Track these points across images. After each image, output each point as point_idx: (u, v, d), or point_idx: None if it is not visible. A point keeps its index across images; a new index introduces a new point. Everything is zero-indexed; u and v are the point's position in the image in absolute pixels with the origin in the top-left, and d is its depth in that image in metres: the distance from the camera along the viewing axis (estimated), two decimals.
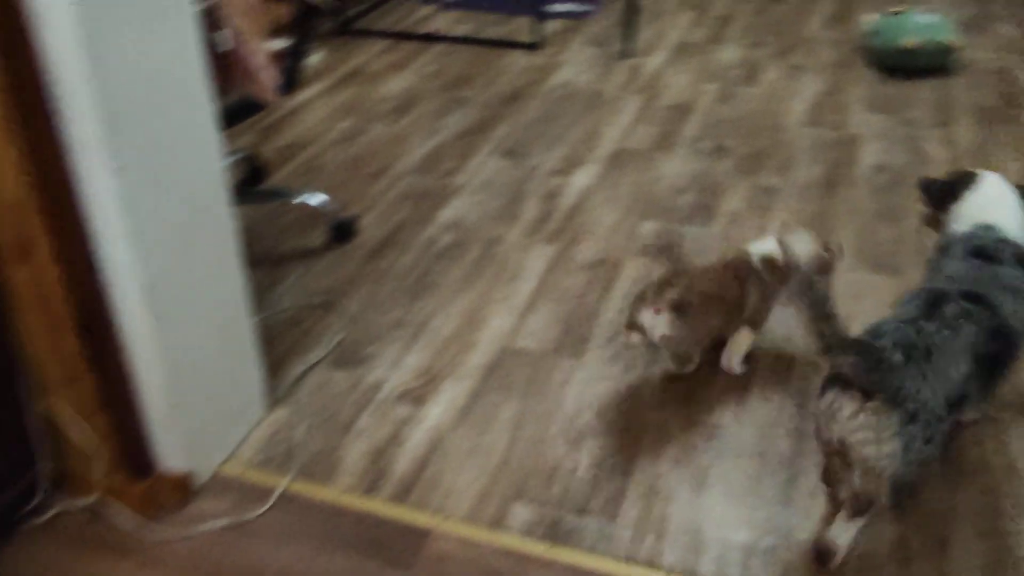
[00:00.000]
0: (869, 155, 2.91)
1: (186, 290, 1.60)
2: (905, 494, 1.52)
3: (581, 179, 2.77)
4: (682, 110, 3.21)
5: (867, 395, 1.43)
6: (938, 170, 2.81)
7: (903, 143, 3.00)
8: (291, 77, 2.12)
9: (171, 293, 1.56)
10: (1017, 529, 1.67)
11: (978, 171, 1.93)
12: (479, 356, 2.07)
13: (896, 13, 3.65)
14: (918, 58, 3.52)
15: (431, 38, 3.79)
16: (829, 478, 1.61)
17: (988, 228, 1.76)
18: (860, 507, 1.55)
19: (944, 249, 1.80)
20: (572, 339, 2.13)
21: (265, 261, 2.39)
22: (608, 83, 3.42)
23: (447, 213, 2.60)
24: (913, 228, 2.53)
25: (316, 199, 2.48)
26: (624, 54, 3.67)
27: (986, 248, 1.71)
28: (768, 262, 1.99)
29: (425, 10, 4.15)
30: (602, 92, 3.34)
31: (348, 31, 3.85)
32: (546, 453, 1.82)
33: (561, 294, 2.27)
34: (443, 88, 3.36)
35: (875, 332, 1.53)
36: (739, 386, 1.99)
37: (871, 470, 1.46)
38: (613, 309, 2.22)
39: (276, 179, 2.75)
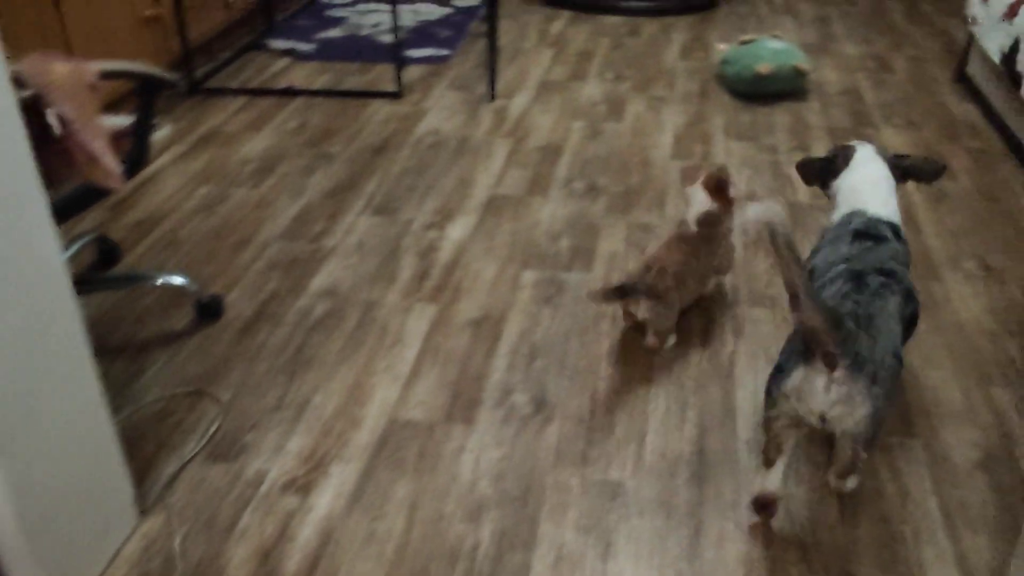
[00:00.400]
0: (737, 183, 2.95)
1: (31, 403, 1.44)
2: (874, 444, 1.81)
3: (457, 231, 2.71)
4: (551, 151, 3.20)
5: (831, 366, 1.56)
6: (803, 192, 2.88)
7: (767, 169, 3.06)
8: (136, 157, 1.98)
9: (12, 409, 1.41)
10: (919, 557, 1.68)
11: (853, 144, 2.09)
12: (366, 433, 1.97)
13: (746, 42, 3.76)
14: (772, 83, 3.62)
15: (289, 92, 3.68)
16: (774, 447, 1.73)
17: (859, 213, 1.94)
18: (849, 467, 1.76)
19: (829, 237, 1.95)
20: (461, 404, 2.05)
21: (125, 350, 2.22)
22: (475, 128, 3.38)
23: (320, 280, 2.49)
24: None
25: (177, 279, 2.33)
26: (488, 96, 3.64)
27: (868, 230, 1.89)
28: (704, 217, 2.26)
29: (280, 63, 4.03)
30: (470, 138, 3.30)
31: (200, 91, 3.69)
32: (446, 532, 1.73)
33: (446, 356, 2.20)
34: (306, 144, 3.25)
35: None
36: (635, 436, 1.95)
37: (851, 435, 1.63)
38: (501, 367, 2.16)
39: (131, 259, 2.58)
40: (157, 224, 2.75)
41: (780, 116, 3.48)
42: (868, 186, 2.00)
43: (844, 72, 3.93)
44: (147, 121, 2.01)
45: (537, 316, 2.34)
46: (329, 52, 4.09)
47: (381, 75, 3.87)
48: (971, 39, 3.72)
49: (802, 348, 1.58)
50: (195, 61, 3.83)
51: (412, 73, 3.92)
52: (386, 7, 4.74)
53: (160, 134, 2.21)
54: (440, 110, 3.53)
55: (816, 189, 2.18)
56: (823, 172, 2.11)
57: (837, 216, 2.00)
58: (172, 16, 3.56)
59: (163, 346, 2.24)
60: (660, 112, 3.51)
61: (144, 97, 1.99)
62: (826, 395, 1.57)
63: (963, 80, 3.79)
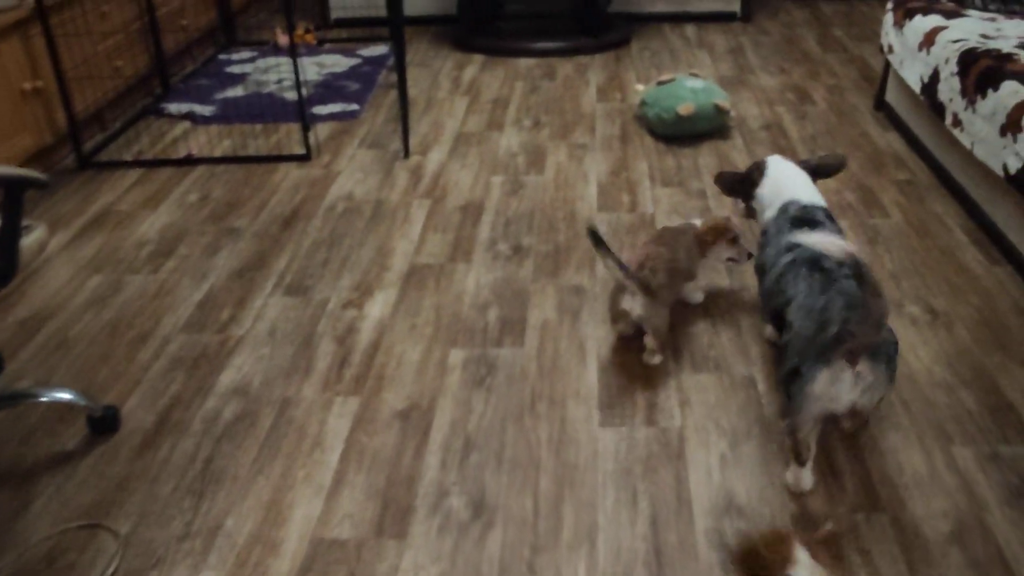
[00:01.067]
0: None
1: None
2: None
3: (377, 308, 2.51)
4: (472, 210, 3.03)
5: (854, 363, 1.70)
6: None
7: (698, 216, 2.94)
8: (5, 266, 1.75)
9: None
10: None
11: (764, 159, 2.32)
12: (286, 560, 1.76)
13: (665, 82, 3.67)
14: (695, 124, 3.53)
15: (189, 161, 3.44)
16: (805, 447, 1.82)
17: (793, 202, 2.13)
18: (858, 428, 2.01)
19: (771, 231, 2.12)
20: (392, 515, 1.85)
21: (9, 480, 1.97)
22: (391, 189, 3.19)
23: (229, 376, 2.27)
24: (724, 312, 2.45)
25: (65, 394, 2.08)
26: (403, 153, 3.47)
27: (805, 216, 2.08)
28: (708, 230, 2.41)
29: (179, 129, 3.79)
30: (386, 201, 3.11)
31: (90, 165, 3.44)
32: None
33: (372, 458, 2.00)
34: (209, 219, 3.02)
35: (823, 310, 1.78)
36: (584, 537, 1.78)
37: (866, 411, 1.93)
38: (433, 466, 1.97)
39: (15, 366, 2.32)
40: (43, 324, 2.49)
41: (705, 157, 3.38)
42: (790, 180, 2.22)
43: (765, 106, 3.86)
44: (15, 226, 1.79)
45: (469, 402, 2.15)
46: (231, 114, 3.87)
47: (288, 136, 3.66)
48: (888, 67, 3.69)
49: (818, 350, 1.71)
50: (84, 133, 3.57)
51: (321, 131, 3.72)
52: (289, 61, 4.54)
53: (33, 237, 1.98)
54: (353, 171, 3.34)
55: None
56: (744, 186, 2.30)
57: (772, 212, 2.17)
58: (55, 87, 3.30)
59: (52, 471, 1.99)
60: (582, 161, 3.38)
61: (10, 200, 1.76)
62: (854, 388, 1.72)
63: (883, 108, 3.76)
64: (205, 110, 3.92)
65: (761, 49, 4.60)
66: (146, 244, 2.88)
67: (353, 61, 4.53)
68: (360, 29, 5.08)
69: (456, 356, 2.31)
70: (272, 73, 4.35)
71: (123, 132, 3.74)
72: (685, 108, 3.52)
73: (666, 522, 1.82)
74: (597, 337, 2.37)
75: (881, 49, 3.64)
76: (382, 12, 5.03)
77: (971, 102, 2.76)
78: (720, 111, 3.56)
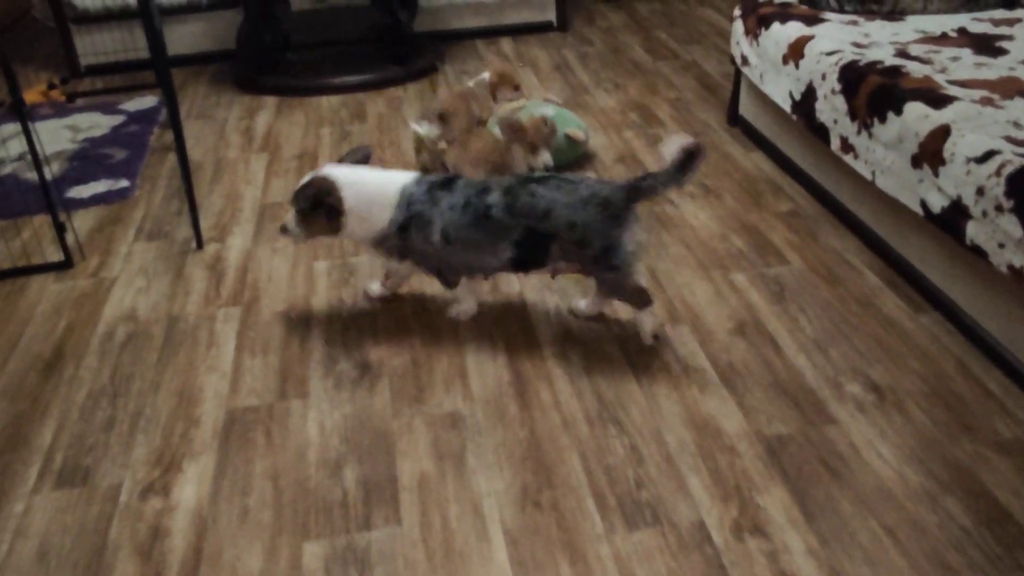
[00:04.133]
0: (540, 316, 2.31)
1: None
2: None
3: (190, 491, 1.85)
4: (297, 318, 2.39)
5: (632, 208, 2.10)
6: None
7: (584, 286, 2.44)
8: None
9: None
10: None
11: (319, 173, 2.18)
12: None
13: (512, 110, 3.16)
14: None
15: None
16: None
17: (408, 184, 2.16)
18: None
19: (434, 211, 2.13)
20: None
21: None
22: (186, 298, 2.50)
23: None
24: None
25: None
26: (195, 243, 2.76)
27: (434, 183, 2.17)
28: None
29: None
30: (181, 317, 2.42)
31: None
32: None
33: None
34: None
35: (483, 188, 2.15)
36: None
37: None
38: None
39: None
40: None
41: None
42: (369, 175, 2.19)
43: (612, 131, 3.42)
44: None
45: None
46: None
47: (39, 234, 2.86)
48: (738, 79, 3.33)
49: (611, 217, 2.07)
50: None
51: (83, 223, 2.94)
52: (33, 127, 3.66)
53: None
54: (132, 277, 2.61)
55: None
56: (333, 212, 2.14)
57: (398, 206, 2.14)
58: None
59: None
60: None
61: None
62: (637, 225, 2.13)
63: (738, 123, 3.40)
64: None
65: (589, 62, 4.17)
66: None
67: (116, 120, 3.72)
68: (119, 76, 4.25)
69: (312, 553, 1.69)
70: (11, 145, 3.48)
71: None
72: None
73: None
74: (495, 491, 1.82)
75: (732, 61, 3.27)
76: (143, 53, 4.22)
77: (865, 126, 2.41)
78: (573, 142, 3.08)
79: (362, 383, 2.13)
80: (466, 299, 2.33)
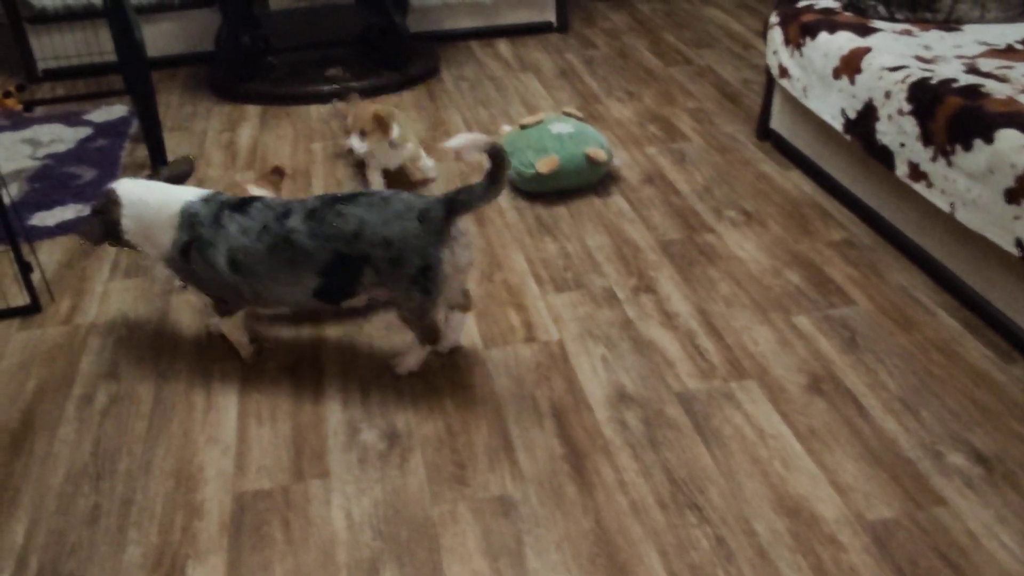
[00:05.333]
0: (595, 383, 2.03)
1: None
2: None
3: None
4: (306, 374, 2.08)
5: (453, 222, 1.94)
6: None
7: (626, 341, 2.16)
8: None
9: None
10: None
11: (110, 189, 2.03)
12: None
13: (528, 126, 2.88)
14: (560, 181, 2.80)
15: None
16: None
17: (191, 203, 1.97)
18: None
19: (195, 241, 1.94)
20: None
21: None
22: (175, 350, 2.17)
23: None
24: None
25: None
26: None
27: (221, 210, 1.96)
28: None
29: None
30: (171, 373, 2.09)
31: None
32: None
33: None
34: None
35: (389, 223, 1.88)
36: None
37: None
38: None
39: None
40: None
41: (595, 235, 2.60)
42: (154, 191, 2.01)
43: (633, 147, 3.14)
44: None
45: None
46: None
47: (0, 272, 2.51)
48: (771, 89, 3.07)
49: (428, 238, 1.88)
50: None
51: (50, 256, 2.59)
52: None
53: None
54: (110, 323, 2.28)
55: None
56: (110, 228, 2.02)
57: (179, 227, 1.96)
58: None
59: None
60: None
61: None
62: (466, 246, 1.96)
63: (769, 137, 3.14)
64: None
65: (596, 68, 3.88)
66: None
67: (81, 132, 3.35)
68: (82, 81, 3.88)
69: None
70: None
71: None
72: (545, 164, 2.74)
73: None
74: None
75: (768, 72, 3.01)
76: (108, 55, 3.85)
77: (944, 152, 2.15)
78: (594, 163, 2.80)
79: (391, 457, 1.83)
80: (233, 331, 2.10)
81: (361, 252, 1.87)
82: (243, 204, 1.96)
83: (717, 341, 2.14)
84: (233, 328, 2.08)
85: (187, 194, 2.00)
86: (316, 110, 3.53)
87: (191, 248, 1.94)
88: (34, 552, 1.65)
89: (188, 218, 1.95)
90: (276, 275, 1.91)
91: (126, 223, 1.99)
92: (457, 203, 1.88)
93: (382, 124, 2.73)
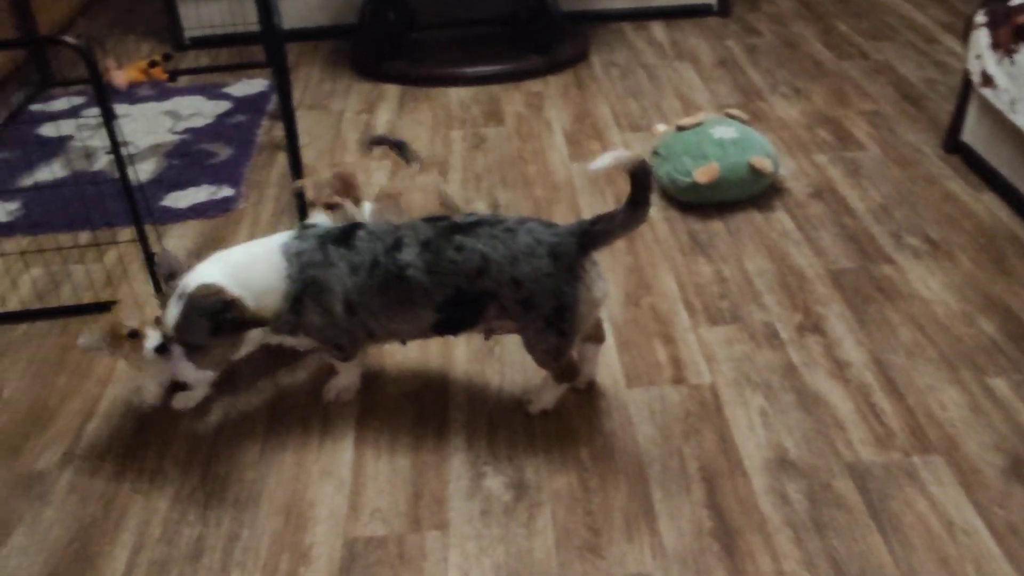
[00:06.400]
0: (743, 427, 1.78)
1: None
2: None
3: None
4: (430, 402, 1.91)
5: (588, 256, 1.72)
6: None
7: (788, 390, 1.90)
8: None
9: None
10: None
11: (188, 287, 1.65)
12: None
13: (686, 127, 2.62)
14: (719, 192, 2.55)
15: None
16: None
17: (290, 240, 1.72)
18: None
19: (309, 287, 1.69)
20: None
21: None
22: (293, 362, 2.04)
23: None
24: None
25: None
26: None
27: (325, 244, 1.71)
28: None
29: None
30: (288, 392, 1.96)
31: None
32: None
33: None
34: None
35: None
36: None
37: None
38: None
39: None
40: None
41: (755, 258, 2.33)
42: (235, 253, 1.72)
43: (799, 154, 2.83)
44: None
45: None
46: (38, 218, 2.61)
47: (125, 257, 2.45)
48: (967, 95, 2.70)
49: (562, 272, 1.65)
50: None
51: (178, 242, 2.52)
52: (134, 111, 3.26)
53: None
54: None
55: None
56: (236, 327, 1.67)
57: (288, 276, 1.69)
58: None
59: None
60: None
61: None
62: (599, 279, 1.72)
63: (959, 150, 2.78)
64: (3, 210, 2.65)
65: (759, 58, 3.56)
66: None
67: (220, 106, 3.28)
68: (226, 51, 3.82)
69: None
70: (104, 135, 3.07)
71: None
72: (705, 173, 2.48)
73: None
74: None
75: (966, 77, 2.64)
76: (253, 25, 3.78)
77: None
78: (758, 174, 2.52)
79: (517, 512, 1.64)
80: (349, 373, 1.88)
81: (486, 289, 1.67)
82: (345, 236, 1.72)
83: (897, 401, 1.85)
84: (353, 372, 1.89)
85: (277, 237, 1.75)
86: (457, 94, 3.35)
87: (304, 298, 1.71)
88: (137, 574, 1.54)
89: (294, 261, 1.70)
90: (392, 313, 1.72)
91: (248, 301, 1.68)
92: (593, 236, 1.66)
93: (349, 185, 2.16)
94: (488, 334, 1.84)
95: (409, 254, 1.68)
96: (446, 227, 1.70)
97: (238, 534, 1.63)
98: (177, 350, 1.68)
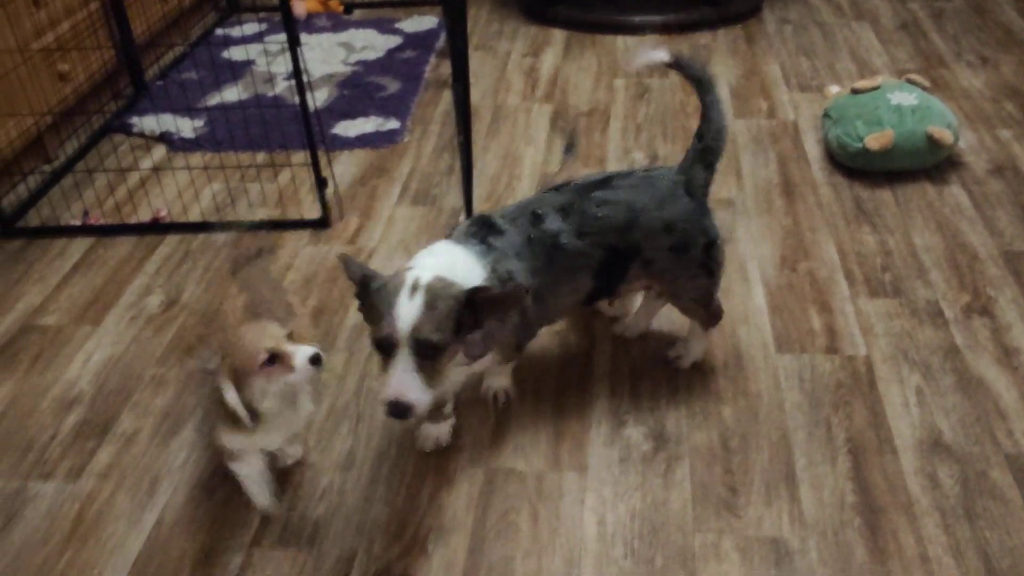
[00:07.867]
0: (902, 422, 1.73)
1: None
2: None
3: None
4: (577, 358, 1.94)
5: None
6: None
7: (949, 373, 1.83)
8: None
9: None
10: None
11: (423, 278, 1.39)
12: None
13: (861, 90, 2.52)
14: (891, 161, 2.44)
15: (155, 228, 2.38)
16: None
17: (460, 235, 1.56)
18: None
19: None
20: None
21: None
22: None
23: None
24: None
25: None
26: (465, 216, 2.36)
27: (478, 234, 1.55)
28: None
29: (148, 160, 2.70)
30: None
31: (11, 233, 2.39)
32: None
33: None
34: (172, 351, 1.97)
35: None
36: None
37: None
38: None
39: None
40: None
41: (924, 232, 2.24)
42: (442, 252, 1.50)
43: (981, 126, 2.67)
44: None
45: None
46: (222, 136, 2.76)
47: (297, 178, 2.56)
48: None
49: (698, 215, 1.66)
50: (4, 179, 2.50)
51: (345, 169, 2.61)
52: (314, 39, 3.39)
53: None
54: (392, 249, 2.26)
55: None
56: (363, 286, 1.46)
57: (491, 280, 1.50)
58: None
59: None
60: (732, 234, 2.25)
61: None
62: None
63: None
64: (188, 127, 2.82)
65: (944, 22, 3.36)
66: (74, 405, 1.84)
67: (391, 41, 3.36)
68: None
69: None
70: (285, 60, 3.20)
71: (69, 168, 2.66)
72: (877, 139, 2.38)
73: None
74: None
75: None
76: None
77: None
78: (935, 144, 2.40)
79: (655, 463, 1.66)
80: (507, 372, 1.77)
81: (633, 243, 1.62)
82: (484, 223, 1.57)
83: None
84: (509, 370, 1.76)
85: (453, 238, 1.56)
86: (623, 42, 3.32)
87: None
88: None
89: (494, 262, 1.52)
90: (559, 288, 1.61)
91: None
92: (710, 153, 1.67)
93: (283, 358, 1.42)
94: (612, 299, 1.84)
95: (554, 222, 1.57)
96: (581, 187, 1.62)
97: (386, 452, 1.71)
98: (403, 361, 1.36)
